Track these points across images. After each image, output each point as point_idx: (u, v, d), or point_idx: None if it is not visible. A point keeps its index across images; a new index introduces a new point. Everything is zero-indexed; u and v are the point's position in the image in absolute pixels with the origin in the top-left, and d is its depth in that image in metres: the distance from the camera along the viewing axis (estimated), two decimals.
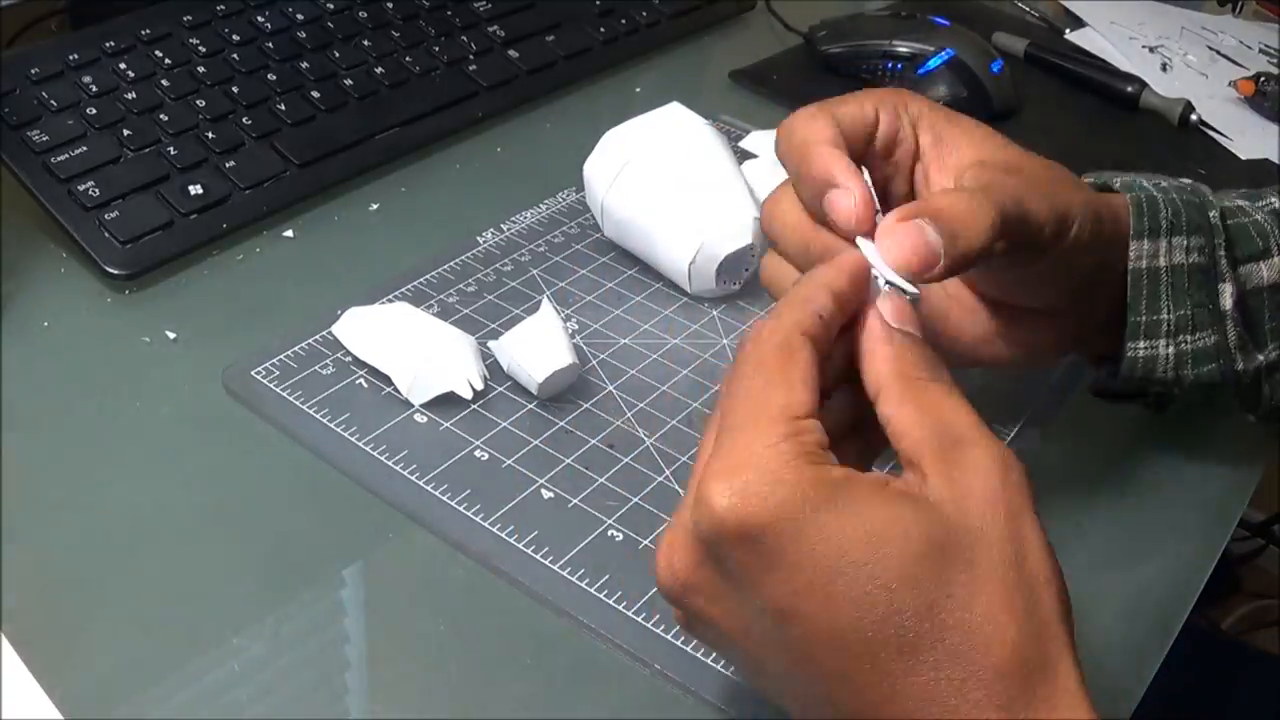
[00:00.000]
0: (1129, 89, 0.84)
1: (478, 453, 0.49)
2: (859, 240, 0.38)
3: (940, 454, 0.34)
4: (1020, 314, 0.48)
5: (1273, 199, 0.53)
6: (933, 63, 0.79)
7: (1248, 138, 0.82)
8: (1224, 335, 0.50)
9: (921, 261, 0.37)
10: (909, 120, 0.45)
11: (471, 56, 0.73)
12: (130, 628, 0.42)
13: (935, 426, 0.34)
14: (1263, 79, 0.85)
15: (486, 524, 0.46)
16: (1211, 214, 0.50)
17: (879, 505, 0.32)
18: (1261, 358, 0.51)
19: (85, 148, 0.60)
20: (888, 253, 0.37)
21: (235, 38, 0.68)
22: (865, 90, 0.45)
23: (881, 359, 0.36)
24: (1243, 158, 0.81)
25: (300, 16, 0.71)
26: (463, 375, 0.51)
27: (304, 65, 0.68)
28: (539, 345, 0.52)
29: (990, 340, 0.48)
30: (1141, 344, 0.50)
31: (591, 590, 0.44)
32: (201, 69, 0.66)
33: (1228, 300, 0.50)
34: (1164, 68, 0.90)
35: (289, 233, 0.61)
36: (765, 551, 0.32)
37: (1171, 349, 0.50)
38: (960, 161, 0.44)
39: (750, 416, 0.34)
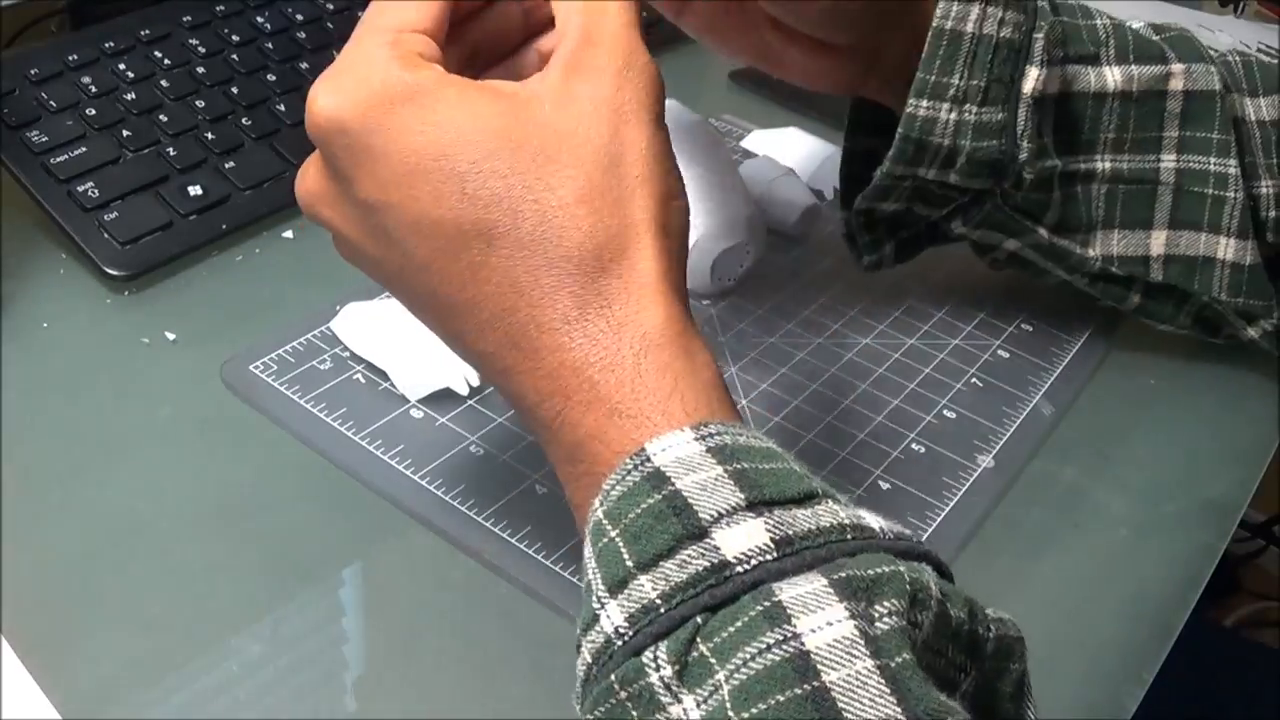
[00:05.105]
0: None
1: (473, 448, 0.49)
2: None
3: (572, 52, 0.36)
4: (799, 38, 0.47)
5: (1106, 18, 0.52)
6: None
7: None
8: (1013, 116, 0.47)
9: None
10: None
11: None
12: (130, 628, 0.42)
13: (584, 24, 0.36)
14: None
15: (481, 519, 0.46)
16: (1042, 1, 0.48)
17: (456, 102, 0.34)
18: (1057, 163, 0.49)
19: (85, 148, 0.60)
20: None
21: (235, 38, 0.68)
22: None
23: None
24: None
25: (300, 17, 0.71)
26: (459, 371, 0.51)
27: (304, 65, 0.68)
28: None
29: (765, 56, 0.48)
30: (924, 103, 0.47)
31: None
32: (201, 69, 0.66)
33: (1029, 83, 0.47)
34: None
35: (288, 233, 0.61)
36: (355, 148, 0.35)
37: (954, 114, 0.47)
38: None
39: (361, 30, 0.37)
